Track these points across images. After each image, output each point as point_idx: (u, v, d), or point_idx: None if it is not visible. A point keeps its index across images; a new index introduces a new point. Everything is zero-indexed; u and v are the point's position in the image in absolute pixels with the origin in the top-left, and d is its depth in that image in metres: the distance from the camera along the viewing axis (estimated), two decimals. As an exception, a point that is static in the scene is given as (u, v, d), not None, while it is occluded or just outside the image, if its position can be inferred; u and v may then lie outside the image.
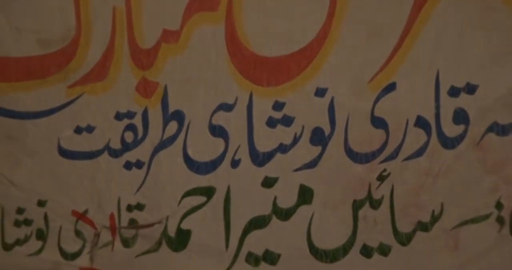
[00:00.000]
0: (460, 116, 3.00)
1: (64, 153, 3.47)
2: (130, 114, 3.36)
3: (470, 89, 2.99)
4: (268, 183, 3.15)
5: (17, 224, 3.56)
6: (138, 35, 3.34)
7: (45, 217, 3.51)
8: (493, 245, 3.00)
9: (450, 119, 3.01)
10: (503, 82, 2.97)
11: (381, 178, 3.08)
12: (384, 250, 3.08)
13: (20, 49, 3.53)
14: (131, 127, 3.36)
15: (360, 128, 3.10)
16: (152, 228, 3.33)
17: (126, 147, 3.38)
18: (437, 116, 3.03)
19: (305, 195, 3.14)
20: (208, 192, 3.23)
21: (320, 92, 3.10)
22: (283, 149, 3.14)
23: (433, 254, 3.08)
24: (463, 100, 3.00)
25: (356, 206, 3.11)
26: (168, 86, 3.28)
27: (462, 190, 3.03)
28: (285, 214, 3.16)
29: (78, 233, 3.45)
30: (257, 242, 3.19)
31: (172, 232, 3.28)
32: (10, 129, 3.54)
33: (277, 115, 3.14)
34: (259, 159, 3.16)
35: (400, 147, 3.05)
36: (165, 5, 3.28)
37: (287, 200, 3.15)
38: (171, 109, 3.28)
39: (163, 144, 3.30)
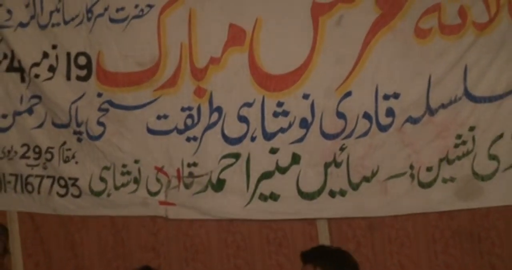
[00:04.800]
0: (390, 112, 3.49)
1: (150, 131, 3.95)
2: (190, 108, 3.85)
3: (396, 96, 3.49)
4: (273, 151, 3.69)
5: (122, 174, 4.05)
6: (195, 60, 3.82)
7: (139, 170, 4.01)
8: (407, 191, 3.49)
9: (384, 114, 3.51)
10: (415, 92, 3.45)
11: (342, 149, 3.59)
12: (342, 193, 3.59)
13: (125, 67, 4.00)
14: (190, 116, 3.85)
15: (329, 119, 3.59)
16: (202, 177, 3.83)
17: (187, 128, 3.86)
18: (376, 112, 3.52)
19: (295, 158, 3.66)
20: (236, 156, 3.77)
21: (306, 97, 3.62)
22: (282, 130, 3.67)
23: (372, 196, 3.56)
24: (392, 103, 3.50)
25: (326, 166, 3.61)
26: (213, 92, 3.79)
27: (390, 157, 3.52)
28: (283, 170, 3.68)
29: (158, 180, 3.96)
30: (266, 187, 3.72)
31: (214, 180, 3.81)
32: (119, 116, 4.01)
33: (279, 110, 3.67)
34: (268, 136, 3.69)
35: (353, 130, 3.56)
36: (212, 42, 3.77)
37: (285, 161, 3.68)
38: (214, 105, 3.80)
39: (209, 127, 3.81)
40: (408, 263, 3.53)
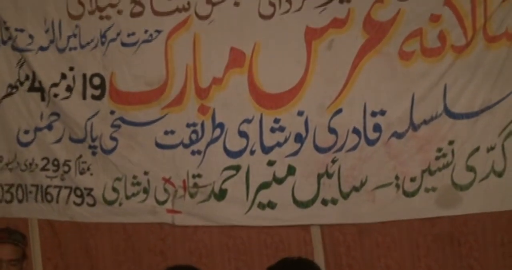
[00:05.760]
0: (377, 128, 3.55)
1: (158, 145, 3.97)
2: (194, 124, 3.89)
3: (382, 113, 3.54)
4: (271, 163, 3.74)
5: (132, 184, 4.06)
6: (199, 80, 3.86)
7: (148, 181, 4.02)
8: (393, 199, 3.54)
9: (371, 129, 3.57)
10: (400, 109, 3.50)
11: (333, 161, 3.63)
12: (334, 202, 3.63)
13: (136, 87, 4.03)
14: (195, 132, 3.89)
15: (322, 134, 3.65)
16: (206, 188, 3.87)
17: (192, 142, 3.90)
18: (364, 127, 3.58)
19: (291, 170, 3.70)
20: (237, 168, 3.80)
21: (300, 113, 3.68)
22: (279, 144, 3.72)
23: (361, 204, 3.61)
24: (379, 119, 3.56)
25: (319, 177, 3.66)
26: (216, 109, 3.83)
27: (377, 169, 3.57)
28: (280, 181, 3.73)
29: (165, 190, 3.98)
30: (264, 196, 3.76)
31: (216, 190, 3.85)
32: (130, 131, 4.04)
33: (276, 126, 3.73)
34: (266, 150, 3.75)
35: (344, 144, 3.62)
36: (214, 64, 3.82)
37: (281, 173, 3.73)
38: (217, 122, 3.84)
39: (212, 141, 3.85)
40: (394, 266, 3.59)
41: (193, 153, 3.90)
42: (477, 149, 3.36)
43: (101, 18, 4.08)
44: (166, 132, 3.96)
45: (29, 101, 4.34)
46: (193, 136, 3.91)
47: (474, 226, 3.43)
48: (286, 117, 3.71)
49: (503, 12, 3.29)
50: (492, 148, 3.34)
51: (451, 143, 3.40)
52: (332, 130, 3.63)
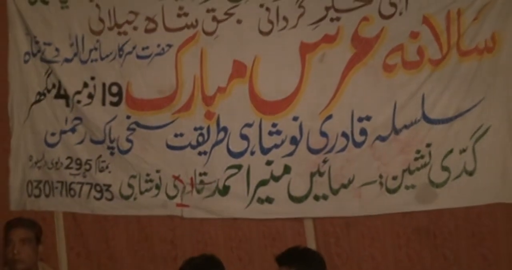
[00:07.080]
0: (363, 132, 3.67)
1: (169, 147, 4.12)
2: (201, 128, 4.02)
3: (368, 118, 3.65)
4: (269, 163, 3.86)
5: (146, 181, 4.17)
6: (205, 88, 3.99)
7: (159, 178, 4.12)
8: (377, 195, 3.63)
9: (358, 133, 3.67)
10: (383, 115, 3.60)
11: (324, 162, 3.74)
12: (325, 197, 3.74)
13: (149, 95, 4.18)
14: (201, 135, 4.02)
15: (314, 137, 3.77)
16: (211, 184, 3.99)
17: (199, 144, 4.02)
18: (352, 132, 3.69)
19: (286, 169, 3.82)
20: (239, 167, 3.92)
21: (295, 119, 3.80)
22: (276, 146, 3.84)
23: (349, 199, 3.71)
24: (364, 124, 3.67)
25: (312, 175, 3.77)
26: (220, 115, 3.96)
27: (363, 168, 3.67)
28: (276, 179, 3.84)
29: (175, 186, 4.11)
30: (262, 192, 3.88)
31: (220, 186, 3.97)
32: (144, 134, 4.16)
33: (274, 129, 3.85)
34: (264, 151, 3.86)
35: (333, 146, 3.73)
36: (219, 74, 3.95)
37: (278, 171, 3.84)
38: (221, 126, 3.96)
39: (217, 143, 3.97)
40: (377, 254, 3.70)
41: (200, 153, 4.03)
42: (451, 151, 3.47)
43: (119, 33, 4.23)
44: (176, 135, 4.09)
45: (55, 107, 4.48)
46: (200, 138, 4.03)
47: (448, 219, 3.54)
48: (282, 122, 3.83)
49: (474, 30, 3.41)
50: (464, 150, 3.45)
51: (428, 145, 3.51)
52: (323, 134, 3.75)
